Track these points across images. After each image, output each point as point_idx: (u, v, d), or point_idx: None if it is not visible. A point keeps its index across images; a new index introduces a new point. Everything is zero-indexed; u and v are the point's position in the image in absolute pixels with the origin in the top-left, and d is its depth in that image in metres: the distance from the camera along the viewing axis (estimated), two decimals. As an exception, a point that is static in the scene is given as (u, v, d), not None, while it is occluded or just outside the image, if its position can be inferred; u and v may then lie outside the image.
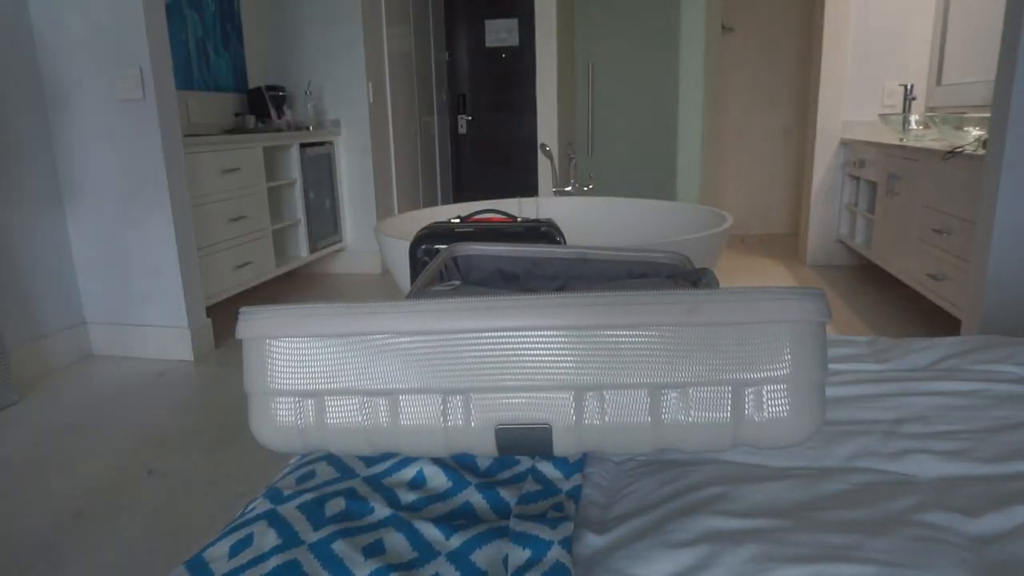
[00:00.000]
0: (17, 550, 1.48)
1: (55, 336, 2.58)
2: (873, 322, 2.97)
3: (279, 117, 3.72)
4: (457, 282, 0.83)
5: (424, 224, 2.12)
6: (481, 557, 0.53)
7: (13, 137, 2.41)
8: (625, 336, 0.42)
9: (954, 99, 3.36)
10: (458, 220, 2.44)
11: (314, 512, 0.57)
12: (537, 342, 0.43)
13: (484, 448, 0.47)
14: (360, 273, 4.06)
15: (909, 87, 3.56)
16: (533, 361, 0.43)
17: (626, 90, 4.65)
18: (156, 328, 2.65)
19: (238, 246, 3.05)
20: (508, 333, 0.42)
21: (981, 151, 2.29)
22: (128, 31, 2.40)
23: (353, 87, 3.86)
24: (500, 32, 4.87)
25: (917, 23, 3.64)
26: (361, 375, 0.44)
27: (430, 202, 4.80)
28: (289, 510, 0.58)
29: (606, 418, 0.44)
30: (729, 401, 0.43)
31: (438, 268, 0.87)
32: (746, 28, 4.85)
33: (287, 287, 3.78)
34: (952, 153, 2.45)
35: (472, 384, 0.44)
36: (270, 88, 3.70)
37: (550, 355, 0.43)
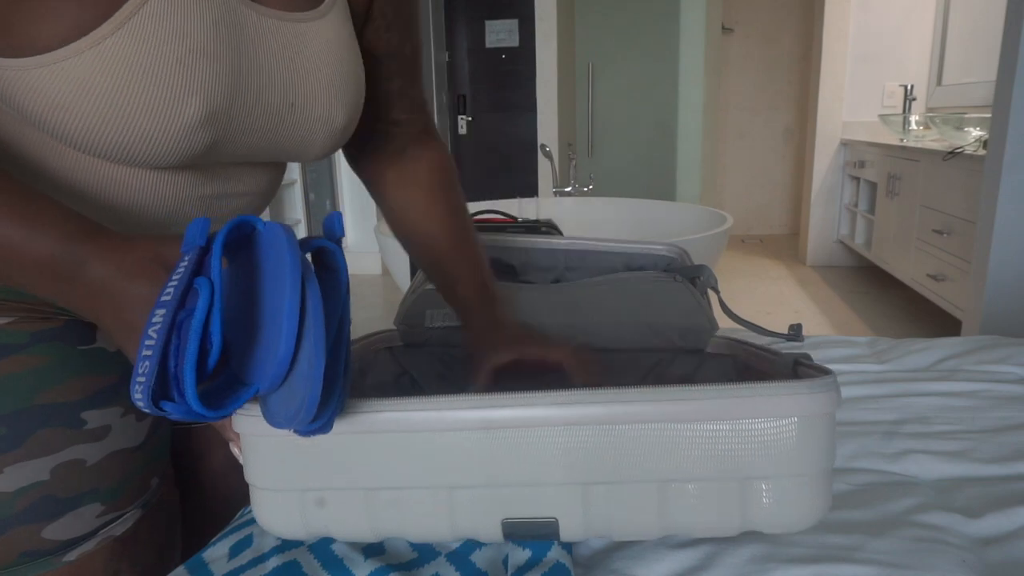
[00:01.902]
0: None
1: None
2: (873, 323, 2.97)
3: (279, 117, 3.72)
4: None
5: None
6: (481, 557, 0.53)
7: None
8: (631, 432, 0.42)
9: (954, 99, 3.36)
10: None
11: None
12: (541, 437, 0.42)
13: (490, 537, 0.47)
14: (360, 274, 4.07)
15: (909, 87, 3.55)
16: (538, 457, 0.43)
17: (626, 90, 4.65)
18: (156, 328, 2.65)
19: (238, 246, 3.05)
20: (512, 429, 0.42)
21: (981, 152, 2.29)
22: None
23: (353, 87, 3.86)
24: (500, 33, 4.87)
25: (917, 23, 3.64)
26: (363, 472, 0.44)
27: (430, 202, 4.79)
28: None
29: (612, 511, 0.45)
30: (737, 495, 0.43)
31: None
32: (746, 28, 4.85)
33: (287, 287, 3.77)
34: (952, 153, 2.46)
35: (477, 481, 0.44)
36: (270, 88, 3.70)
37: (555, 450, 0.43)
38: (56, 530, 0.54)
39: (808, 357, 0.53)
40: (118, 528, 0.58)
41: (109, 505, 0.58)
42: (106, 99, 0.46)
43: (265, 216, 3.07)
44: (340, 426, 0.43)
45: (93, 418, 0.56)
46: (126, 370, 0.60)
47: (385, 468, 0.44)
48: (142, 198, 0.55)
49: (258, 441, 0.44)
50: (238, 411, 0.43)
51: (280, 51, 0.54)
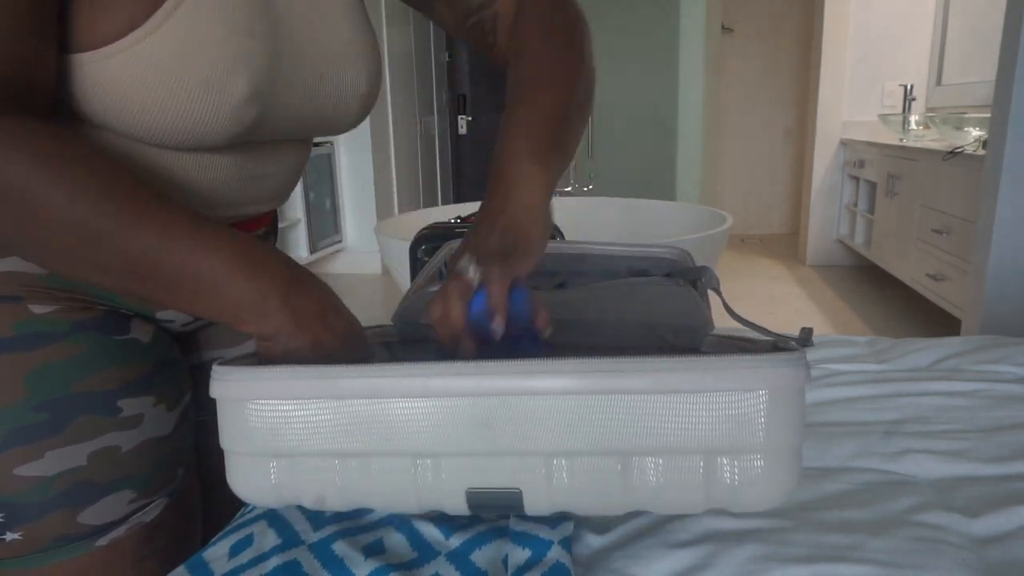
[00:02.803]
0: None
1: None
2: (873, 322, 2.97)
3: (279, 117, 3.72)
4: None
5: (424, 224, 2.12)
6: (481, 557, 0.53)
7: None
8: (595, 403, 0.42)
9: (954, 99, 3.36)
10: (458, 220, 2.44)
11: (314, 512, 0.57)
12: (504, 406, 0.43)
13: (456, 508, 0.48)
14: (360, 273, 4.07)
15: (909, 87, 3.56)
16: (502, 427, 0.43)
17: (626, 90, 4.65)
18: (156, 328, 2.65)
19: (238, 246, 3.05)
20: (475, 398, 0.42)
21: (981, 151, 2.29)
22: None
23: (353, 87, 3.86)
24: (500, 32, 4.87)
25: (917, 23, 3.64)
26: (335, 438, 0.45)
27: (430, 202, 4.80)
28: (289, 509, 0.58)
29: (576, 484, 0.45)
30: (701, 469, 0.43)
31: (438, 265, 0.87)
32: (746, 28, 4.85)
33: (287, 287, 3.77)
34: (952, 153, 2.46)
35: (441, 449, 0.45)
36: (270, 88, 3.70)
37: (519, 421, 0.43)
38: (91, 515, 0.56)
39: (788, 341, 0.52)
40: (147, 515, 0.60)
41: (141, 492, 0.59)
42: (161, 86, 0.48)
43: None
44: (309, 391, 0.43)
45: (128, 406, 0.58)
46: (159, 360, 0.62)
47: (352, 434, 0.44)
48: (184, 180, 0.56)
49: (231, 405, 0.45)
50: (214, 376, 0.45)
51: (305, 23, 0.56)
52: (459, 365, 0.43)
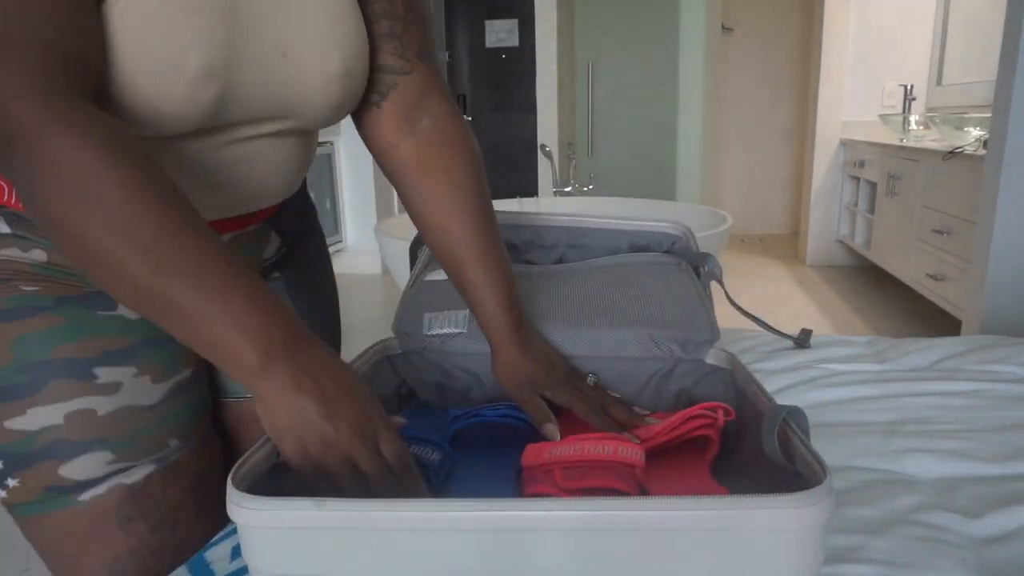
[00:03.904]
0: (17, 550, 1.48)
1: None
2: (873, 322, 2.97)
3: (279, 117, 3.72)
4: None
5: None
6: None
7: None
8: (626, 539, 0.42)
9: (954, 99, 3.36)
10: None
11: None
12: (536, 541, 0.42)
13: None
14: (360, 273, 4.07)
15: (909, 87, 3.56)
16: (532, 559, 0.43)
17: (626, 90, 4.65)
18: (156, 328, 2.65)
19: (238, 246, 3.05)
20: (508, 532, 0.42)
21: (981, 151, 2.29)
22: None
23: (353, 87, 3.86)
24: (500, 32, 4.88)
25: (917, 23, 3.64)
26: (357, 567, 0.44)
27: (430, 202, 4.79)
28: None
29: None
30: None
31: (427, 259, 0.86)
32: (746, 28, 4.85)
33: (287, 287, 3.78)
34: (952, 153, 2.46)
35: None
36: (270, 88, 3.70)
37: (547, 555, 0.42)
38: (71, 469, 0.60)
39: (799, 414, 0.51)
40: (128, 478, 0.62)
41: (120, 455, 0.62)
42: (118, 64, 0.49)
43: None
44: (336, 520, 0.43)
45: (105, 374, 0.61)
46: (147, 337, 0.64)
47: (380, 566, 0.44)
48: (170, 171, 0.55)
49: (255, 533, 0.44)
50: (234, 503, 0.43)
51: (267, 2, 0.55)
52: (490, 502, 0.41)
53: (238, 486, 0.44)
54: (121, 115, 0.50)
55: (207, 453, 0.70)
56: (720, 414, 0.60)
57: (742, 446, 0.60)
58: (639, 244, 0.87)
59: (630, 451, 0.55)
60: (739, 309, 0.91)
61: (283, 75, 0.58)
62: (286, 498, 0.42)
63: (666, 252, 0.86)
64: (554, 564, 0.42)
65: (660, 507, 0.41)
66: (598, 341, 0.71)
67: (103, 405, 0.61)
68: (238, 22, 0.53)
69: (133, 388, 0.63)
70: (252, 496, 0.42)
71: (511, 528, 0.42)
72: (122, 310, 0.63)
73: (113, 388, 0.61)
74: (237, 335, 0.46)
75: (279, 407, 0.48)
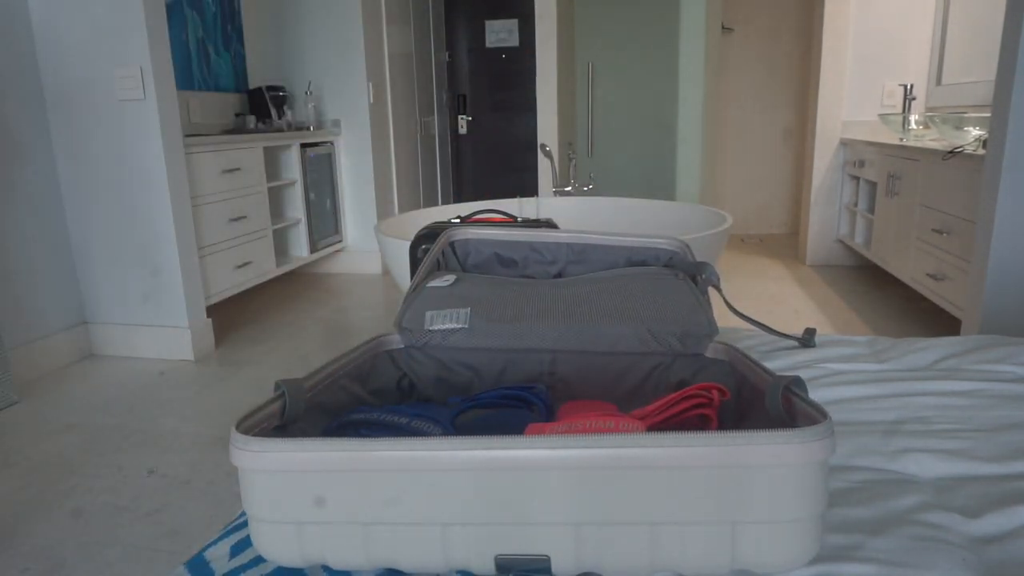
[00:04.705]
0: (17, 550, 1.48)
1: (55, 336, 2.58)
2: (873, 322, 2.97)
3: (279, 117, 3.72)
4: (452, 277, 0.81)
5: (424, 224, 2.12)
6: None
7: (13, 137, 2.42)
8: (624, 476, 0.42)
9: (954, 99, 3.36)
10: (458, 220, 2.44)
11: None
12: (536, 479, 0.43)
13: (484, 570, 0.48)
14: (360, 273, 4.06)
15: (909, 87, 3.56)
16: (532, 498, 0.43)
17: (626, 90, 4.65)
18: (156, 328, 2.65)
19: (238, 246, 3.05)
20: (507, 471, 0.42)
21: (981, 151, 2.29)
22: (129, 31, 2.40)
23: (353, 87, 3.86)
24: (500, 32, 4.87)
25: (917, 23, 3.64)
26: (360, 509, 0.44)
27: (430, 202, 4.80)
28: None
29: (604, 551, 0.45)
30: (728, 538, 0.44)
31: (437, 255, 0.87)
32: (746, 28, 4.85)
33: (287, 287, 3.78)
34: (952, 153, 2.46)
35: (470, 519, 0.45)
36: (271, 88, 3.70)
37: (549, 493, 0.43)
38: None
39: (799, 381, 0.53)
40: None
41: None
42: None
43: (265, 215, 3.03)
44: (335, 463, 0.43)
45: None
46: None
47: (379, 505, 0.44)
48: None
49: (255, 476, 0.44)
50: (235, 446, 0.43)
51: None
52: (489, 439, 0.42)
53: (242, 431, 0.44)
54: None
55: None
56: (715, 394, 0.60)
57: (743, 428, 0.61)
58: (636, 260, 0.89)
59: (632, 426, 0.55)
60: (739, 314, 0.91)
61: None
62: (288, 439, 0.43)
63: (664, 266, 0.88)
64: (559, 504, 0.43)
65: (667, 443, 0.41)
66: (597, 336, 0.71)
67: None
68: None
69: None
70: (255, 438, 0.42)
71: (513, 468, 0.42)
72: None
73: None
74: None
75: None
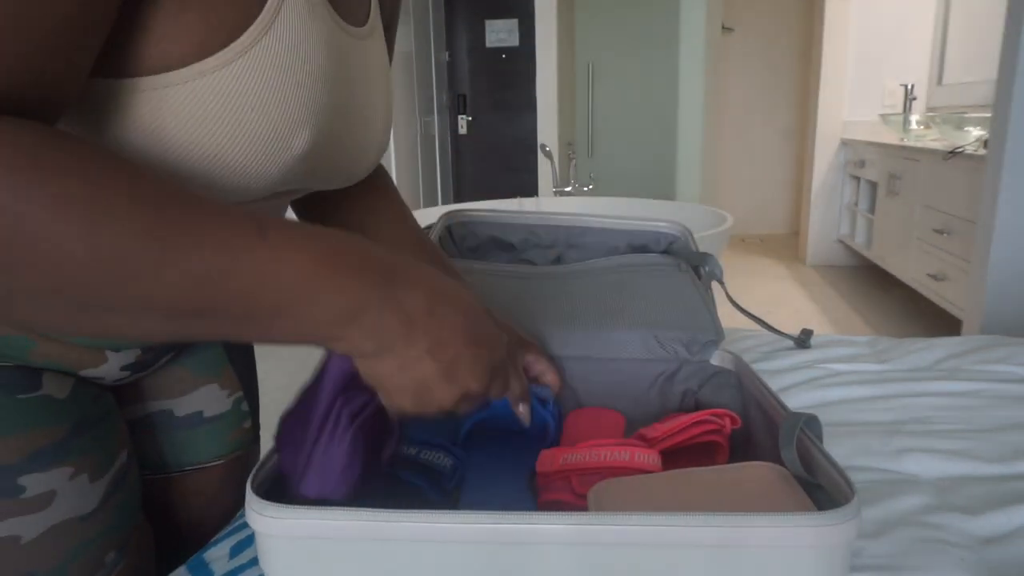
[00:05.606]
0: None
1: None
2: (873, 322, 2.96)
3: (279, 117, 3.72)
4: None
5: (424, 224, 2.12)
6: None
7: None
8: (636, 554, 0.40)
9: (955, 99, 3.36)
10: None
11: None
12: (548, 557, 0.42)
13: None
14: (360, 273, 4.06)
15: (910, 87, 3.56)
16: (539, 573, 0.42)
17: (626, 90, 4.65)
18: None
19: (238, 246, 3.05)
20: (515, 546, 0.41)
21: (982, 151, 2.29)
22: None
23: (353, 87, 3.86)
24: (500, 32, 4.87)
25: (917, 23, 3.64)
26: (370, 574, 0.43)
27: (430, 202, 4.80)
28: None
29: None
30: None
31: (435, 239, 0.86)
32: (746, 28, 4.85)
33: (287, 287, 3.77)
34: (953, 153, 2.46)
35: None
36: (270, 88, 3.70)
37: (551, 569, 0.42)
38: None
39: (816, 420, 0.49)
40: None
41: None
42: (221, 129, 0.41)
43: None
44: (347, 531, 0.42)
45: (33, 483, 0.48)
46: (80, 420, 0.52)
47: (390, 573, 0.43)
48: None
49: (272, 541, 0.43)
50: (253, 510, 0.42)
51: (359, 71, 0.51)
52: (499, 515, 0.41)
53: (257, 492, 0.43)
54: (201, 175, 0.42)
55: (144, 554, 0.60)
56: (727, 421, 0.59)
57: (751, 452, 0.60)
58: (637, 244, 0.87)
59: (647, 457, 0.54)
60: (740, 309, 0.91)
61: (362, 143, 0.54)
62: (304, 507, 0.42)
63: (664, 252, 0.86)
64: None
65: (676, 523, 0.39)
66: (602, 342, 0.71)
67: (30, 528, 0.48)
68: (341, 97, 0.48)
69: (68, 496, 0.50)
70: (272, 504, 0.42)
71: (516, 541, 0.42)
72: (48, 388, 0.50)
73: (44, 501, 0.48)
74: (308, 282, 0.36)
75: (384, 365, 0.40)
